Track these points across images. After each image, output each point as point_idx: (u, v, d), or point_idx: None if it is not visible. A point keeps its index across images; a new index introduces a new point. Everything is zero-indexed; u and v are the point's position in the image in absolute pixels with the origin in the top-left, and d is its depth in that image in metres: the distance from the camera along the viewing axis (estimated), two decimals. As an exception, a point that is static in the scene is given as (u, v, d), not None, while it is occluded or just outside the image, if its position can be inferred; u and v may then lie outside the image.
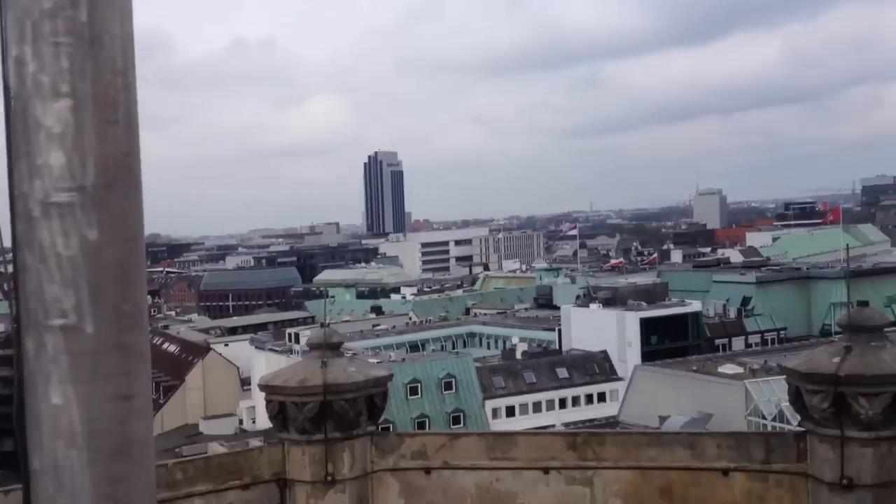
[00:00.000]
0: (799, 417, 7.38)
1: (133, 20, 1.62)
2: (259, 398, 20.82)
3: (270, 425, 8.53)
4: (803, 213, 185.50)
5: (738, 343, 71.43)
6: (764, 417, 44.44)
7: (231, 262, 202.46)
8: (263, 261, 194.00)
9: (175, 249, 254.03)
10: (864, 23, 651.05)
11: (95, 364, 1.74)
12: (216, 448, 29.79)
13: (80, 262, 1.65)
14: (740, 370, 50.01)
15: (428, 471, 7.88)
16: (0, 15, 1.56)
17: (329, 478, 7.82)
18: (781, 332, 74.79)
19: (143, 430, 1.79)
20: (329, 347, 8.03)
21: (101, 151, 1.63)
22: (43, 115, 1.59)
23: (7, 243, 1.73)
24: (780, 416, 41.80)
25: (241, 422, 63.38)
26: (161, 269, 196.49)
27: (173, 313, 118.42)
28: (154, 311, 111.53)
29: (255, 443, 13.35)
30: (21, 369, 1.77)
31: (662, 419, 45.93)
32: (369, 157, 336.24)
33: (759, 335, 73.91)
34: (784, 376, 7.62)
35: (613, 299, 69.40)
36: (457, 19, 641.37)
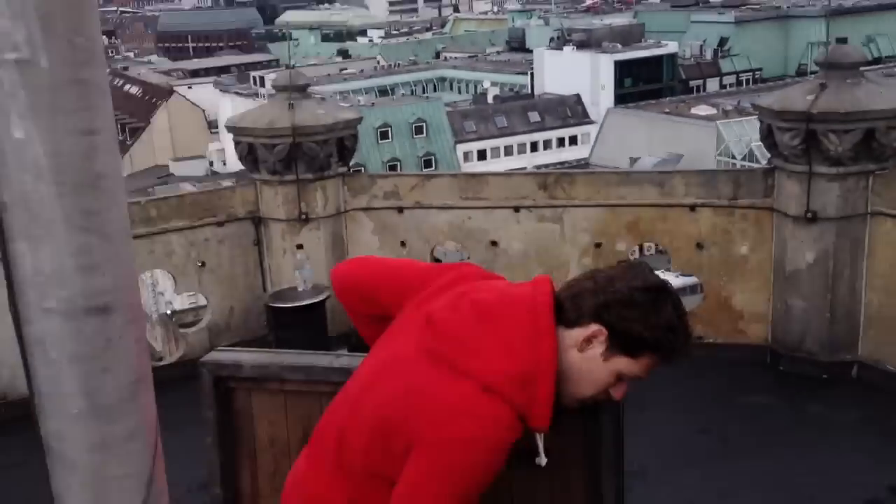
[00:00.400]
0: (769, 156, 7.54)
1: None
2: (228, 141, 20.75)
3: (241, 168, 8.60)
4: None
5: (712, 84, 71.15)
6: (734, 157, 45.22)
7: (187, 1, 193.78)
8: (222, 0, 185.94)
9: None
10: None
11: (54, 99, 1.71)
12: (188, 188, 30.00)
13: (28, -7, 1.58)
14: (713, 111, 50.29)
15: (401, 210, 8.09)
16: None
17: (303, 216, 8.02)
18: (757, 72, 74.39)
19: (111, 165, 1.80)
20: (295, 89, 7.93)
21: None
22: None
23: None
24: (750, 156, 42.58)
25: (211, 164, 63.59)
26: (115, 7, 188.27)
27: (131, 55, 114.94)
28: (112, 53, 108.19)
29: (228, 183, 13.52)
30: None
31: (633, 160, 46.70)
32: None
33: (735, 76, 73.54)
34: (757, 115, 7.70)
35: (588, 42, 68.07)
36: None
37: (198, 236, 7.98)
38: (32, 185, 1.69)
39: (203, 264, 8.01)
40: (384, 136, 57.34)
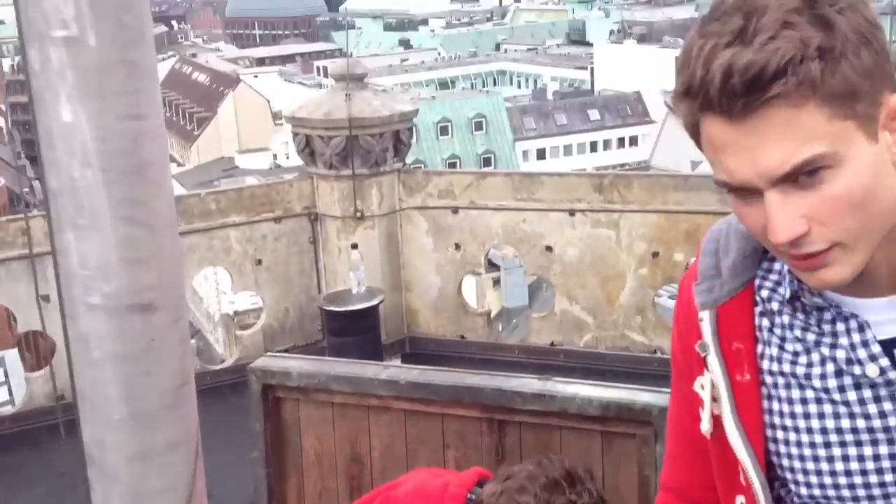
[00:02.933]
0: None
1: None
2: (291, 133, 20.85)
3: (302, 162, 8.58)
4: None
5: (779, 85, 69.57)
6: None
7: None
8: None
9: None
10: None
11: (102, 80, 1.65)
12: (251, 182, 30.38)
13: (76, -33, 1.52)
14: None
15: (455, 210, 7.97)
16: None
17: (359, 214, 7.95)
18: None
19: (158, 152, 1.73)
20: (353, 79, 7.86)
21: None
22: None
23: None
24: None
25: (275, 156, 64.28)
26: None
27: (200, 41, 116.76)
28: (181, 38, 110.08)
29: (289, 177, 13.59)
30: (30, 87, 1.70)
31: (695, 164, 45.90)
32: None
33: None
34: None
35: (649, 35, 67.19)
36: None
37: (255, 232, 7.97)
38: (80, 172, 1.63)
39: (260, 262, 7.99)
40: (444, 131, 57.32)
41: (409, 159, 8.79)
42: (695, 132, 1.17)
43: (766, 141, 1.04)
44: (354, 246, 7.82)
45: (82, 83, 1.61)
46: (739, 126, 1.06)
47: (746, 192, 1.10)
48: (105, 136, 1.64)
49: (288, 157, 59.75)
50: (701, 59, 1.06)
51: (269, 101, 72.20)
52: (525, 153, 59.45)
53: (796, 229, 1.06)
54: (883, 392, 1.15)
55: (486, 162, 57.01)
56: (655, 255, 7.54)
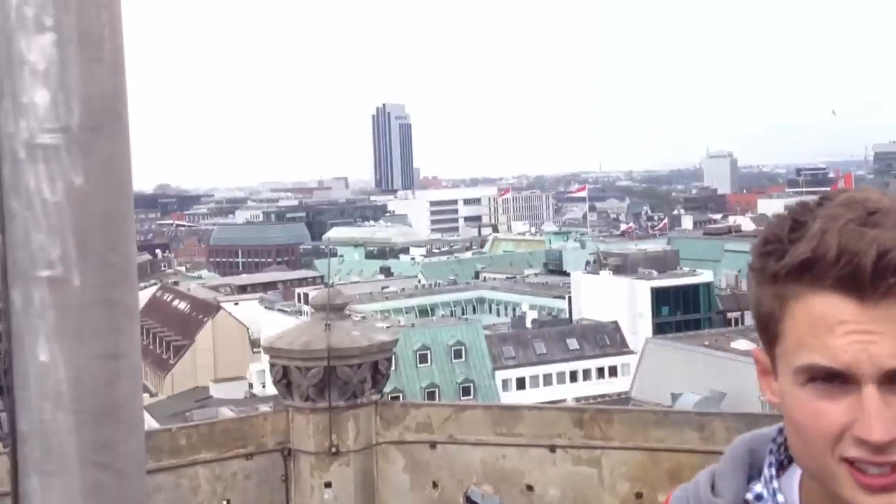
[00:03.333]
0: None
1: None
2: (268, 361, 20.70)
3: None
4: (815, 180, 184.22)
5: (751, 317, 70.90)
6: (777, 399, 44.29)
7: (240, 216, 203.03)
8: (273, 216, 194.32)
9: (185, 202, 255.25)
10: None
11: (82, 319, 1.64)
12: (226, 413, 29.97)
13: (66, 209, 1.55)
14: (753, 346, 49.62)
15: (433, 445, 7.82)
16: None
17: (334, 449, 7.77)
18: (795, 307, 74.11)
19: (132, 392, 1.69)
20: (333, 309, 7.95)
21: (86, 91, 1.52)
22: (27, 49, 1.48)
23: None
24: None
25: (251, 385, 63.75)
26: (171, 221, 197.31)
27: (183, 269, 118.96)
28: (164, 266, 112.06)
29: (264, 408, 13.35)
30: (9, 323, 1.68)
31: (675, 396, 45.83)
32: (377, 108, 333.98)
33: (773, 309, 73.35)
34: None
35: (624, 266, 69.12)
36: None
37: (225, 470, 7.74)
38: (51, 414, 1.59)
39: (228, 502, 7.69)
40: (423, 359, 57.37)
41: (387, 388, 8.74)
42: (779, 310, 1.12)
43: (894, 328, 0.98)
44: (328, 485, 7.58)
45: (62, 323, 1.61)
46: (871, 308, 0.99)
47: (838, 382, 1.01)
48: (80, 375, 1.61)
49: (264, 387, 59.15)
50: (835, 235, 1.01)
51: (248, 329, 72.49)
52: (505, 382, 59.25)
53: (893, 430, 0.97)
54: None
55: (466, 391, 56.62)
56: (639, 495, 7.33)
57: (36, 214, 1.54)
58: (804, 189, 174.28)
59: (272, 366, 8.16)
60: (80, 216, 1.55)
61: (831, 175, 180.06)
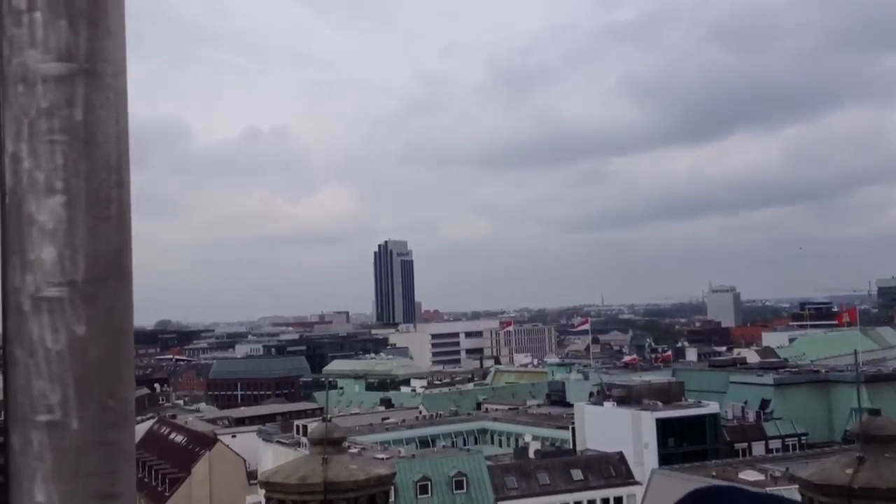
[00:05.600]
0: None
1: (128, 118, 1.64)
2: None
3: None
4: (819, 314, 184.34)
5: (758, 448, 69.70)
6: (786, 529, 43.09)
7: (240, 350, 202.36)
8: (273, 349, 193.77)
9: (185, 337, 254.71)
10: (866, 124, 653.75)
11: (79, 461, 1.71)
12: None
13: (68, 357, 1.64)
14: (761, 477, 48.66)
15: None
16: (-2, 113, 1.59)
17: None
18: (803, 437, 73.00)
19: (124, 535, 1.74)
20: (331, 443, 7.91)
21: (92, 247, 1.63)
22: (37, 210, 1.60)
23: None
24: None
25: (245, 520, 62.08)
26: (171, 356, 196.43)
27: (181, 402, 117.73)
28: (163, 400, 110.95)
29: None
30: (7, 467, 1.74)
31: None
32: (379, 246, 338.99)
33: (780, 440, 72.25)
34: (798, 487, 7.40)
35: (628, 398, 68.40)
36: (459, 113, 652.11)
37: None
38: (46, 558, 1.63)
39: None
40: (424, 490, 56.07)
41: (385, 525, 8.55)
42: None
43: None
44: None
45: (59, 465, 1.67)
46: None
47: None
48: (75, 518, 1.66)
49: (261, 522, 57.49)
50: None
51: (245, 461, 71.16)
52: (508, 514, 57.69)
53: None
54: None
55: (467, 524, 55.09)
56: None
57: (38, 362, 1.63)
58: (809, 322, 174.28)
59: (268, 500, 8.04)
60: (80, 363, 1.64)
61: (835, 309, 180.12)
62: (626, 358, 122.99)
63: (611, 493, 60.71)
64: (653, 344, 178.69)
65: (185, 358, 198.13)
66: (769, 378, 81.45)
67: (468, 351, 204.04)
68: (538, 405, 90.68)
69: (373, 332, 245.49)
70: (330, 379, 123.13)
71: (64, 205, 1.58)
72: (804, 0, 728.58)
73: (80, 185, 1.59)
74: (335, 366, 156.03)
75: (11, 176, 1.58)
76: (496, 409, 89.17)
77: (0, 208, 1.60)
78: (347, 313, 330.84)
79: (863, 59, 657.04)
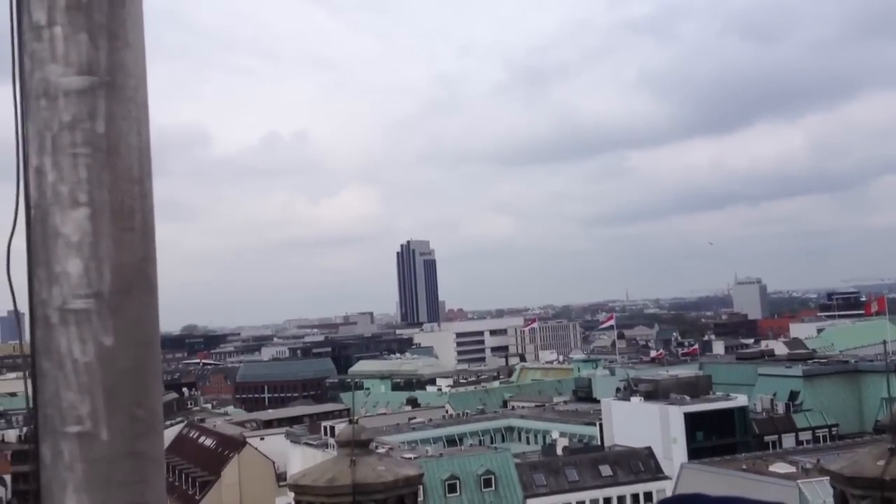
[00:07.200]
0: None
1: (150, 130, 1.65)
2: (293, 494, 20.26)
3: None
4: (847, 304, 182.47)
5: (788, 440, 69.00)
6: (820, 523, 42.74)
7: (266, 352, 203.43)
8: (298, 351, 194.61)
9: (211, 341, 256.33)
10: (885, 112, 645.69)
11: (110, 471, 1.72)
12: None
13: (96, 368, 1.65)
14: (792, 469, 48.26)
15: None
16: (21, 127, 1.60)
17: None
18: (833, 428, 72.28)
19: (156, 540, 1.75)
20: (358, 445, 7.92)
21: (117, 259, 1.64)
22: (61, 223, 1.62)
23: (27, 349, 1.74)
24: (836, 520, 40.19)
25: (276, 524, 62.28)
26: (198, 360, 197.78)
27: (209, 406, 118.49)
28: (191, 404, 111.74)
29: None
30: (38, 479, 1.76)
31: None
32: (402, 246, 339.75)
33: (811, 432, 71.55)
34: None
35: (655, 392, 68.01)
36: (477, 112, 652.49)
37: None
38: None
39: None
40: (452, 489, 56.04)
41: (414, 525, 8.55)
42: None
43: None
44: None
45: (90, 475, 1.68)
46: None
47: None
48: (107, 526, 1.67)
49: (293, 522, 57.66)
50: None
51: (274, 464, 71.47)
52: (537, 511, 57.54)
53: None
54: None
55: (497, 522, 55.00)
56: None
57: (67, 374, 1.65)
58: (837, 312, 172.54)
59: (297, 502, 8.08)
60: (108, 374, 1.65)
61: (863, 298, 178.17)
62: (653, 353, 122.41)
63: (640, 488, 60.38)
64: (679, 338, 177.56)
65: (212, 362, 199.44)
66: (798, 370, 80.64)
67: (493, 349, 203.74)
68: (565, 402, 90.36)
69: (397, 332, 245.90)
70: (356, 380, 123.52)
71: (88, 217, 1.59)
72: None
73: (103, 197, 1.60)
74: (361, 366, 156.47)
75: (36, 189, 1.60)
76: (523, 407, 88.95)
77: (25, 222, 1.62)
78: (372, 314, 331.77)
79: (880, 46, 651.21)
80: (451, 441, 72.91)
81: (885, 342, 62.39)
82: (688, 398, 66.89)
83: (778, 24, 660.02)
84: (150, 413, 1.72)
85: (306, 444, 66.66)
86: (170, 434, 77.37)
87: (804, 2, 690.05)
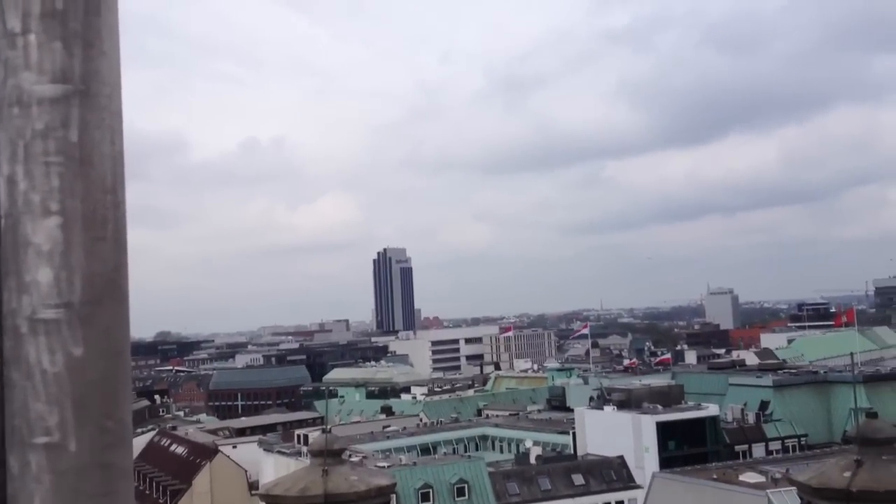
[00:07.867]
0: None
1: (124, 139, 1.64)
2: None
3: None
4: (818, 315, 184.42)
5: (758, 450, 69.64)
6: (787, 530, 43.07)
7: (241, 360, 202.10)
8: (273, 359, 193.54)
9: (185, 348, 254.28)
10: (859, 125, 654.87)
11: (78, 483, 1.70)
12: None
13: (65, 378, 1.64)
14: (762, 479, 48.67)
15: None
16: (-7, 136, 1.58)
17: None
18: (802, 438, 73.00)
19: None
20: (331, 454, 7.89)
21: (88, 268, 1.63)
22: (32, 232, 1.60)
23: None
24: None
25: (247, 529, 61.91)
26: (171, 367, 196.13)
27: (182, 413, 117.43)
28: (163, 412, 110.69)
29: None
30: (5, 490, 1.74)
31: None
32: (378, 253, 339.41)
33: (780, 441, 72.21)
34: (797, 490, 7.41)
35: (628, 401, 68.37)
36: (458, 119, 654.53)
37: None
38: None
39: None
40: (425, 497, 55.91)
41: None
42: None
43: None
44: None
45: (58, 486, 1.66)
46: None
47: None
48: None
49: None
50: None
51: (246, 472, 70.96)
52: (510, 520, 57.53)
53: None
54: None
55: (471, 532, 54.92)
56: None
57: (35, 384, 1.63)
58: (807, 323, 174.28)
59: (268, 514, 8.00)
60: (78, 385, 1.63)
61: (833, 309, 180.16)
62: (626, 362, 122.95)
63: (612, 497, 60.61)
64: (652, 347, 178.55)
65: (185, 369, 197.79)
66: (768, 380, 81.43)
67: (468, 357, 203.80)
68: (539, 410, 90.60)
69: (372, 339, 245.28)
70: (330, 388, 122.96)
71: (60, 226, 1.58)
72: (795, 3, 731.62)
73: (75, 207, 1.58)
74: (335, 374, 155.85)
75: (7, 198, 1.58)
76: (497, 415, 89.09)
77: (-4, 231, 1.61)
78: (347, 321, 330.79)
79: (854, 60, 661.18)
80: (425, 449, 72.78)
81: (851, 354, 63.13)
82: (660, 407, 67.28)
83: (754, 36, 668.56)
84: (120, 424, 1.70)
85: (279, 452, 66.25)
86: (141, 442, 76.56)
87: (780, 15, 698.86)
